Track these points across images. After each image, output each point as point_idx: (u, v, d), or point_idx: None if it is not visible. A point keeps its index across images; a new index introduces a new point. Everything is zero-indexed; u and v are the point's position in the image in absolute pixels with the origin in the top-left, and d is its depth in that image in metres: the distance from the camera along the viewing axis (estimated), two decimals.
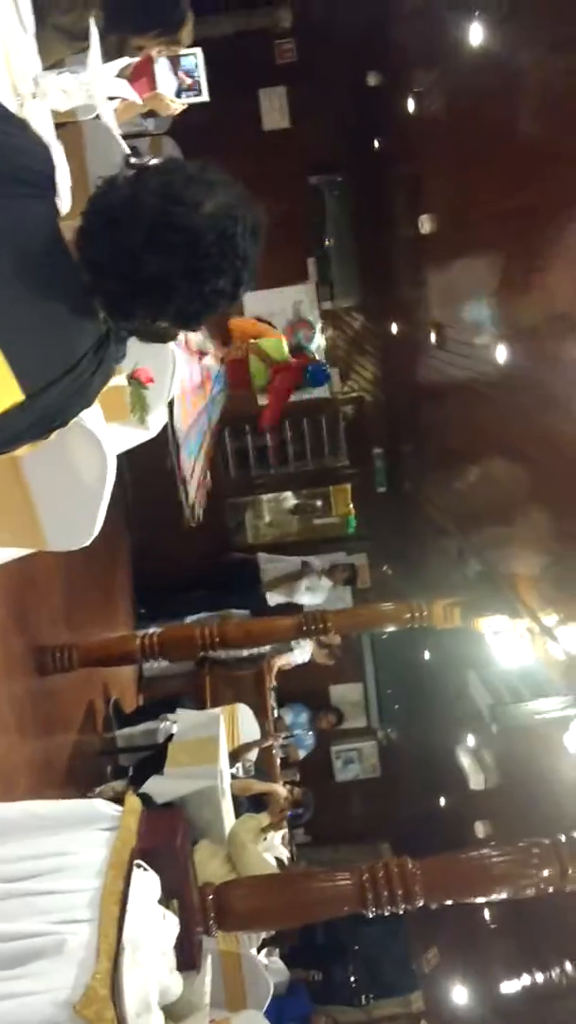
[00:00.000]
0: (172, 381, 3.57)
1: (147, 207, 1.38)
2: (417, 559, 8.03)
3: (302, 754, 7.71)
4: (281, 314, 7.68)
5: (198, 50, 3.88)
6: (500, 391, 4.46)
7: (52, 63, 2.95)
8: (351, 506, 8.46)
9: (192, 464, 5.18)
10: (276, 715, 7.53)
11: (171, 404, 4.57)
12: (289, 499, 8.87)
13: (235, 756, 5.52)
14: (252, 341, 5.95)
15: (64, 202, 1.57)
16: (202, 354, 5.35)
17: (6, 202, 1.39)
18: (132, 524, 7.87)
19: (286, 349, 5.90)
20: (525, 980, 5.23)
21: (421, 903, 3.14)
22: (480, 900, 3.54)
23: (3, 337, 1.34)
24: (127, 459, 3.02)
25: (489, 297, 4.38)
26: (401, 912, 3.24)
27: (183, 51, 3.69)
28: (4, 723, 3.92)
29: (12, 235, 1.38)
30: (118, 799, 3.37)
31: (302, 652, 7.72)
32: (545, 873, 3.15)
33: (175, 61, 3.77)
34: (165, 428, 4.60)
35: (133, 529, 7.88)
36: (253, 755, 5.84)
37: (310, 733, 7.86)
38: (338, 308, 7.96)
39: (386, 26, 6.35)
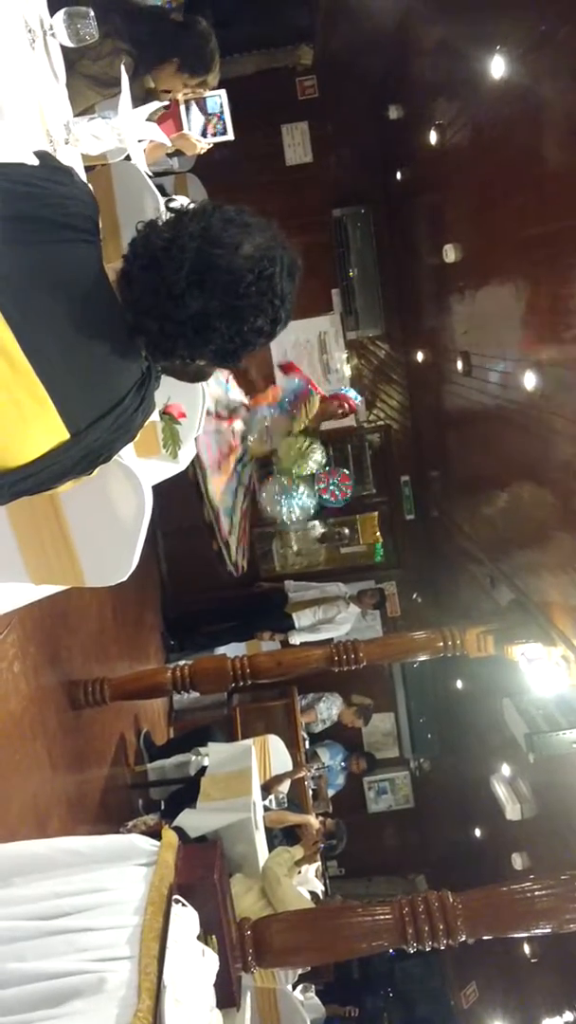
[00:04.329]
0: (202, 415, 3.61)
1: (187, 249, 1.42)
2: (447, 587, 7.98)
3: (330, 793, 7.64)
4: (306, 345, 7.74)
5: (222, 91, 3.97)
6: (528, 417, 4.45)
7: (82, 110, 3.02)
8: (378, 534, 8.44)
9: (229, 524, 5.25)
10: (311, 751, 7.50)
11: (204, 475, 4.69)
12: (316, 527, 8.86)
13: (267, 788, 5.49)
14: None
15: None
16: (232, 417, 5.38)
17: (57, 247, 1.44)
18: (160, 555, 7.91)
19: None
20: (568, 1016, 5.11)
21: (463, 938, 3.10)
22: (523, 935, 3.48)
23: (51, 379, 1.38)
24: (155, 492, 3.06)
25: (515, 324, 4.39)
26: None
27: (208, 92, 3.78)
28: (37, 758, 3.92)
29: (61, 279, 1.43)
30: (150, 833, 3.35)
31: (329, 708, 7.71)
32: None
33: (201, 102, 3.85)
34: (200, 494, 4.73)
35: (161, 560, 7.92)
36: (285, 787, 5.80)
37: (342, 774, 7.79)
38: (363, 338, 8.01)
39: (407, 60, 6.43)
